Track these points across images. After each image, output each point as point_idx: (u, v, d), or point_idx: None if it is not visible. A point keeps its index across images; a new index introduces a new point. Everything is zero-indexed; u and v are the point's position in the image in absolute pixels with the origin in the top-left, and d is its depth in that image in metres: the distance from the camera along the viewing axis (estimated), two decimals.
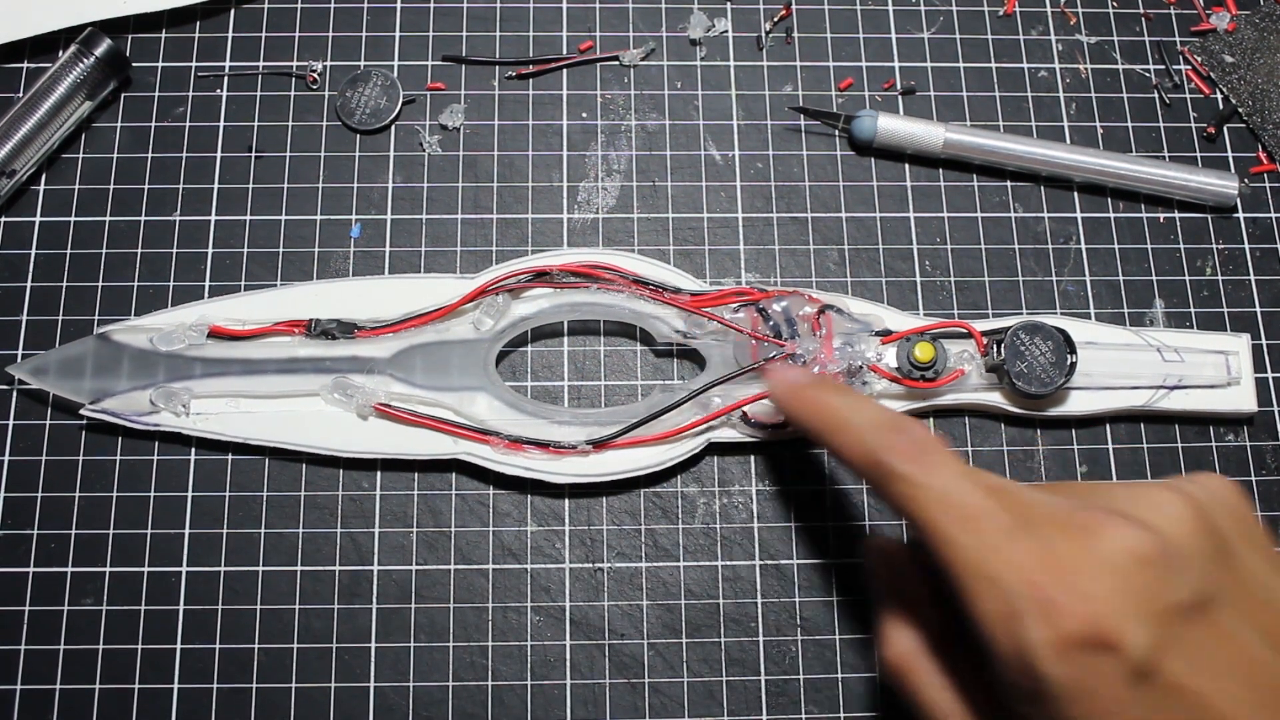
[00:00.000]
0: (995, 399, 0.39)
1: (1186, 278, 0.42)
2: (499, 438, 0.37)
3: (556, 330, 0.40)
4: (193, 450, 0.38)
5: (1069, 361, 0.37)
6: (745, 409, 0.38)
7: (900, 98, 0.44)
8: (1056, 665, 0.24)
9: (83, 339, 0.38)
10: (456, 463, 0.38)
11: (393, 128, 0.42)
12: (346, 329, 0.38)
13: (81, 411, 0.37)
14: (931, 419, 0.40)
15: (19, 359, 0.39)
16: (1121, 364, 0.39)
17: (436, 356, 0.38)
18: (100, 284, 0.40)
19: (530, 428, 0.38)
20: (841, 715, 0.37)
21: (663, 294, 0.39)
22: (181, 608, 0.37)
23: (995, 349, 0.38)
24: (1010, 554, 0.25)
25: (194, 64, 0.43)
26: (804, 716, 0.36)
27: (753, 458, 0.39)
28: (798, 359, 0.37)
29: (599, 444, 0.37)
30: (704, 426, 0.38)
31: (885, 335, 0.38)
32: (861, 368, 0.38)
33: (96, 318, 0.40)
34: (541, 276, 0.39)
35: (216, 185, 0.41)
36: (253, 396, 0.38)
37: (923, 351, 0.37)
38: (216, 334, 0.38)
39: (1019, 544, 0.25)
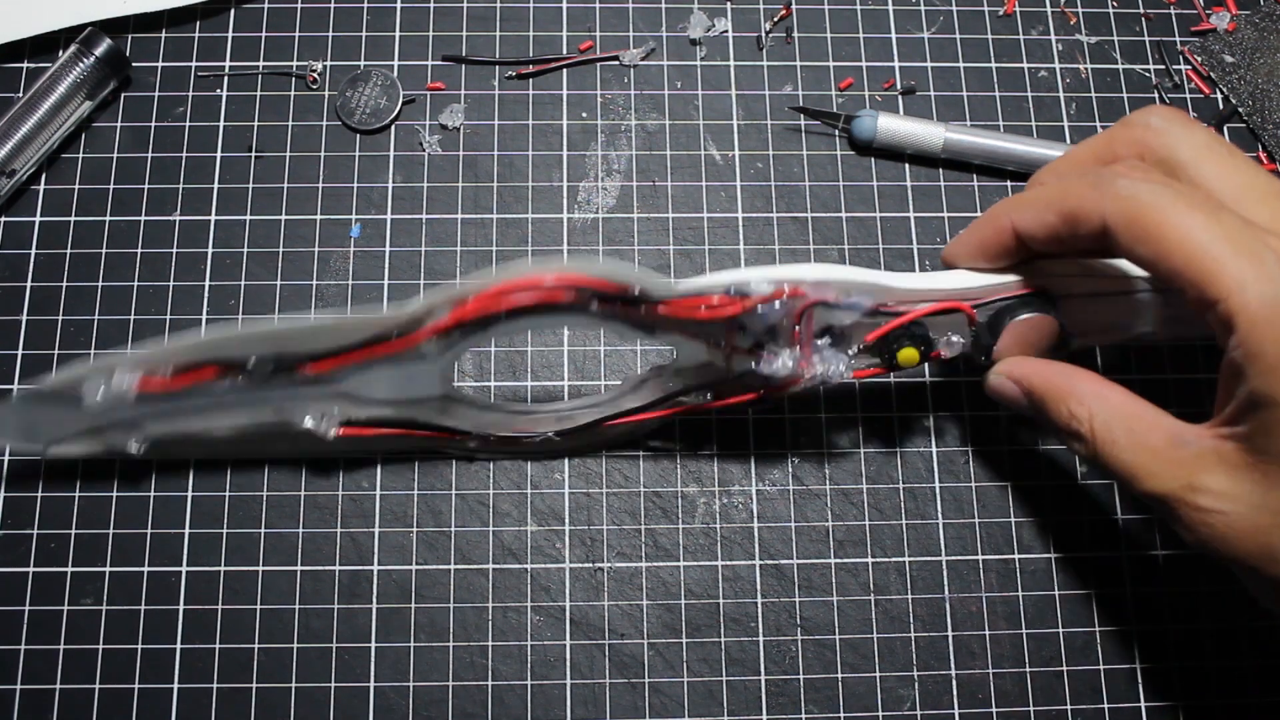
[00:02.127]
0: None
1: None
2: (468, 436, 0.37)
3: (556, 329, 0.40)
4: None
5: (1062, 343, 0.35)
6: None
7: (900, 98, 0.44)
8: None
9: (4, 403, 0.36)
10: (438, 452, 0.38)
11: (393, 128, 0.42)
12: (286, 364, 0.34)
13: (46, 454, 0.36)
14: (932, 418, 0.40)
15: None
16: (1111, 312, 0.36)
17: (394, 372, 0.34)
18: (100, 284, 0.40)
19: (499, 423, 0.38)
20: (841, 715, 0.37)
21: (626, 308, 0.32)
22: (181, 608, 0.37)
23: (985, 331, 0.35)
24: (1254, 234, 0.28)
25: (194, 64, 0.43)
26: (804, 716, 0.36)
27: (753, 457, 0.39)
28: (773, 379, 0.34)
29: (568, 434, 0.37)
30: (670, 416, 0.37)
31: (872, 325, 0.34)
32: (840, 372, 0.34)
33: (96, 318, 0.40)
34: (484, 321, 0.32)
35: (216, 185, 0.41)
36: (210, 433, 0.36)
37: (906, 357, 0.34)
38: (145, 391, 0.34)
39: (1256, 229, 0.28)
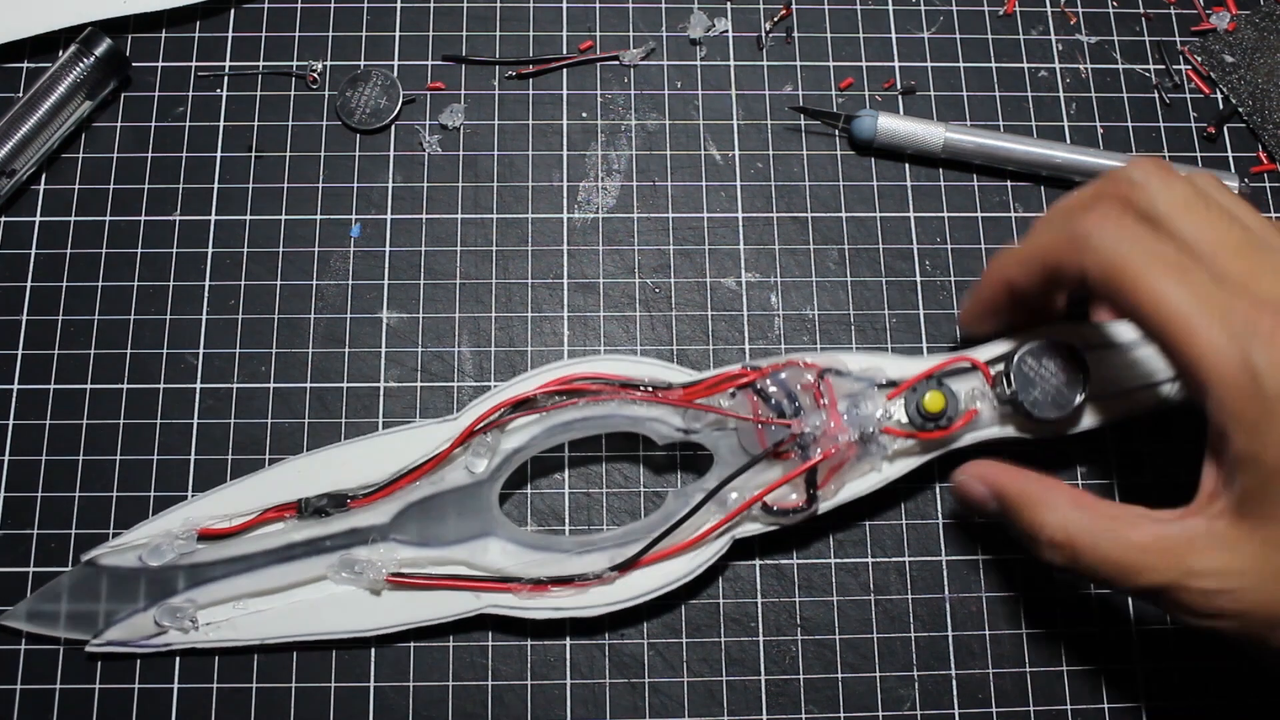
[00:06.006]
0: (1011, 431, 0.37)
1: None
2: (520, 583, 0.35)
3: (557, 452, 0.38)
4: (192, 452, 0.38)
5: (1082, 376, 0.35)
6: (765, 499, 0.35)
7: (900, 98, 0.44)
8: None
9: (68, 572, 0.36)
10: (486, 617, 0.36)
11: (393, 128, 0.42)
12: (338, 501, 0.36)
13: (88, 648, 0.35)
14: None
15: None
16: (1134, 364, 0.37)
17: (433, 511, 0.36)
18: (100, 284, 0.40)
19: (549, 564, 0.36)
20: (841, 715, 0.37)
21: (654, 394, 0.36)
22: None
23: (1005, 380, 0.36)
24: (1224, 297, 0.28)
25: (194, 64, 0.43)
26: (804, 716, 0.36)
27: None
28: (806, 436, 0.35)
29: (624, 567, 0.35)
30: (726, 525, 0.36)
31: (891, 388, 0.36)
32: (873, 431, 0.35)
33: (96, 318, 0.40)
34: (525, 404, 0.36)
35: (216, 185, 0.42)
36: (258, 594, 0.36)
37: (932, 401, 0.35)
38: (206, 535, 0.36)
39: (1227, 288, 0.28)
